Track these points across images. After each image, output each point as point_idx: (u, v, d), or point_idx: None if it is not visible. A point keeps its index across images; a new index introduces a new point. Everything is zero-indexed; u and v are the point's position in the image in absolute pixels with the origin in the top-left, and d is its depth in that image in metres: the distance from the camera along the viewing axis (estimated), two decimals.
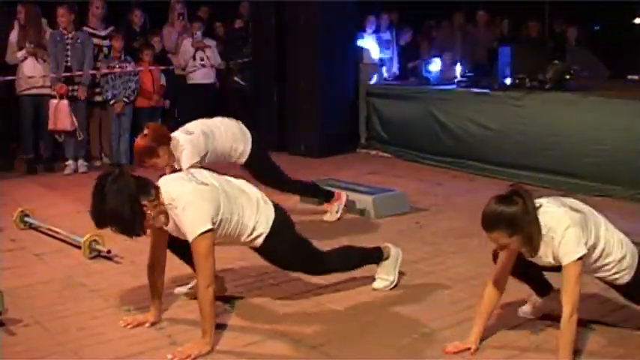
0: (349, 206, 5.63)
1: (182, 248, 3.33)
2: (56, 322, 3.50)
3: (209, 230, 3.06)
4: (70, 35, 7.39)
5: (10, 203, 5.85)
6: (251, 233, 3.35)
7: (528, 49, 7.89)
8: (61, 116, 7.28)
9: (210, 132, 4.67)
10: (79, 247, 4.55)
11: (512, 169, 6.62)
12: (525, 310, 3.45)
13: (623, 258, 3.02)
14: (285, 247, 3.46)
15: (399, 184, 6.48)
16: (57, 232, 4.94)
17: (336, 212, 5.47)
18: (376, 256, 3.89)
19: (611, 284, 3.17)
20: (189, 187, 3.13)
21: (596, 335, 3.26)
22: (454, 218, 5.41)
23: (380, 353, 3.13)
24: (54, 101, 7.29)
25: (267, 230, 3.35)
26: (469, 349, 3.09)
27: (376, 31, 9.02)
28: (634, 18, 10.87)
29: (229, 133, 4.80)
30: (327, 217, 5.46)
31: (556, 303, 3.10)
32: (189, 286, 3.78)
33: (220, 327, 3.35)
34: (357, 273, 4.05)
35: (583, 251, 2.82)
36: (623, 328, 3.34)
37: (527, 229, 2.79)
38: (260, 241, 3.38)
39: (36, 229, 5.21)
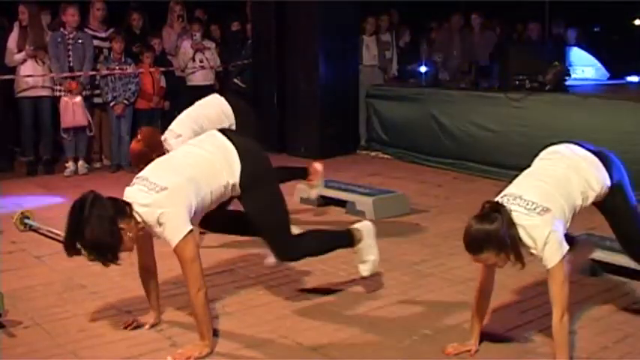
0: (350, 208, 5.63)
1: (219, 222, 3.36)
2: (56, 323, 3.50)
3: (188, 233, 3.02)
4: (70, 36, 7.40)
5: (10, 205, 5.86)
6: (227, 186, 3.25)
7: (528, 51, 7.90)
8: (79, 112, 7.37)
9: (198, 127, 4.69)
10: None
11: (513, 171, 6.51)
12: None
13: (597, 182, 3.06)
14: (261, 196, 3.34)
15: (399, 185, 6.48)
16: (57, 234, 4.94)
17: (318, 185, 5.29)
18: (348, 240, 3.73)
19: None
20: (154, 200, 3.02)
21: (596, 336, 3.26)
22: (454, 220, 5.39)
23: (380, 354, 3.13)
24: (67, 99, 7.32)
25: (238, 180, 3.26)
26: (469, 350, 3.10)
27: (376, 33, 9.03)
28: (634, 19, 10.87)
29: (215, 118, 4.80)
30: (312, 194, 5.37)
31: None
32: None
33: (220, 329, 3.35)
34: (358, 275, 4.06)
35: (565, 250, 2.82)
36: (623, 329, 3.34)
37: (511, 243, 2.78)
38: (238, 190, 3.30)
39: (36, 230, 5.21)
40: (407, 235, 5.07)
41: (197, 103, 5.05)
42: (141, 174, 3.19)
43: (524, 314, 3.52)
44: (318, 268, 4.17)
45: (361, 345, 3.23)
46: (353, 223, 3.83)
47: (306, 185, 5.33)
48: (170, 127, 4.76)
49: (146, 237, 3.24)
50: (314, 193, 5.41)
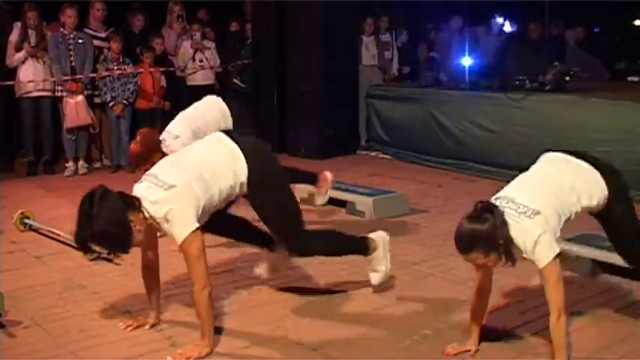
0: (350, 208, 5.63)
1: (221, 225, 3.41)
2: (56, 324, 3.51)
3: (195, 230, 3.04)
4: (71, 36, 7.40)
5: (10, 205, 5.86)
6: (235, 186, 3.29)
7: (529, 51, 7.91)
8: (82, 111, 7.41)
9: (196, 127, 4.70)
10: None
11: (513, 171, 6.49)
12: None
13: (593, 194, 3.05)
14: (271, 197, 3.38)
15: (400, 185, 6.49)
16: (57, 234, 4.94)
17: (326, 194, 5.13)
18: (363, 248, 3.76)
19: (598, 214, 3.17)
20: (162, 197, 3.04)
21: (596, 336, 3.26)
22: (455, 220, 5.30)
23: (380, 355, 3.13)
24: (69, 100, 7.34)
25: (245, 180, 3.29)
26: (469, 350, 3.10)
27: (375, 33, 9.02)
28: (634, 19, 10.88)
29: (212, 120, 4.84)
30: (318, 201, 5.15)
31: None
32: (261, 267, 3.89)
33: (220, 329, 3.36)
34: (358, 275, 4.06)
35: (556, 251, 2.82)
36: (623, 329, 3.34)
37: (502, 244, 2.77)
38: (245, 189, 3.33)
39: (36, 231, 5.21)
40: (407, 235, 5.07)
41: (193, 105, 5.07)
42: (150, 171, 3.23)
43: (523, 314, 3.52)
44: (318, 269, 4.17)
45: (361, 345, 3.23)
46: (359, 225, 3.82)
47: (315, 192, 5.17)
48: (167, 129, 4.77)
49: (150, 235, 3.26)
50: (320, 201, 5.20)
